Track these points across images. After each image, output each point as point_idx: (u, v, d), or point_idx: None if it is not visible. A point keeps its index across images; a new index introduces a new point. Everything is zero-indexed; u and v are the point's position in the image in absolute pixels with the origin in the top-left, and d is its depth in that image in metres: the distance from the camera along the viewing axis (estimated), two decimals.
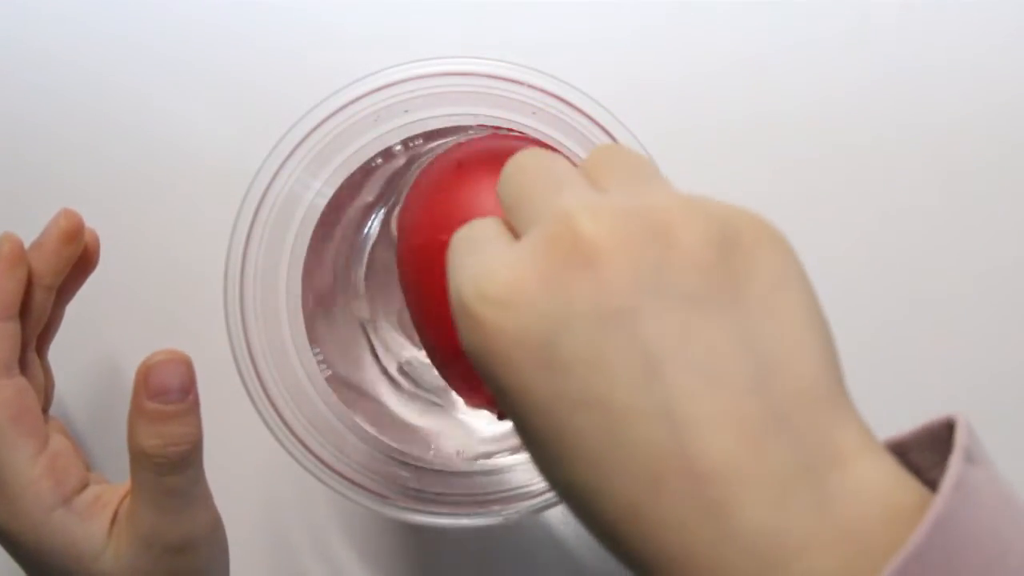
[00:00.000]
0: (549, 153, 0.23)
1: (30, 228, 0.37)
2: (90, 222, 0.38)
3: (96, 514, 0.28)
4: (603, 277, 0.18)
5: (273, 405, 0.29)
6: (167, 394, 0.27)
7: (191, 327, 0.29)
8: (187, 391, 0.28)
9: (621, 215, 0.19)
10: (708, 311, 0.18)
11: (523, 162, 0.22)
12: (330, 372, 0.31)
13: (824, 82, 0.41)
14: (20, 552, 0.28)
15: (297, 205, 0.29)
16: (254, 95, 0.39)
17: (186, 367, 0.28)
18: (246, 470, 0.37)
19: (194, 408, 0.28)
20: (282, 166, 0.29)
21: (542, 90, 0.30)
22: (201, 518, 0.30)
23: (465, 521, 0.31)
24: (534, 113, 0.31)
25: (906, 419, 0.20)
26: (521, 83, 0.30)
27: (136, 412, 0.28)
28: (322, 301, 0.31)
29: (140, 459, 0.28)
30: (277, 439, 0.29)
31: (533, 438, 0.19)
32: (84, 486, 0.29)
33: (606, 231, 0.19)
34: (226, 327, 0.28)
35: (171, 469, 0.28)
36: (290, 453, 0.29)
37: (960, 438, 0.18)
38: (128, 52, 0.39)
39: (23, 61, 0.40)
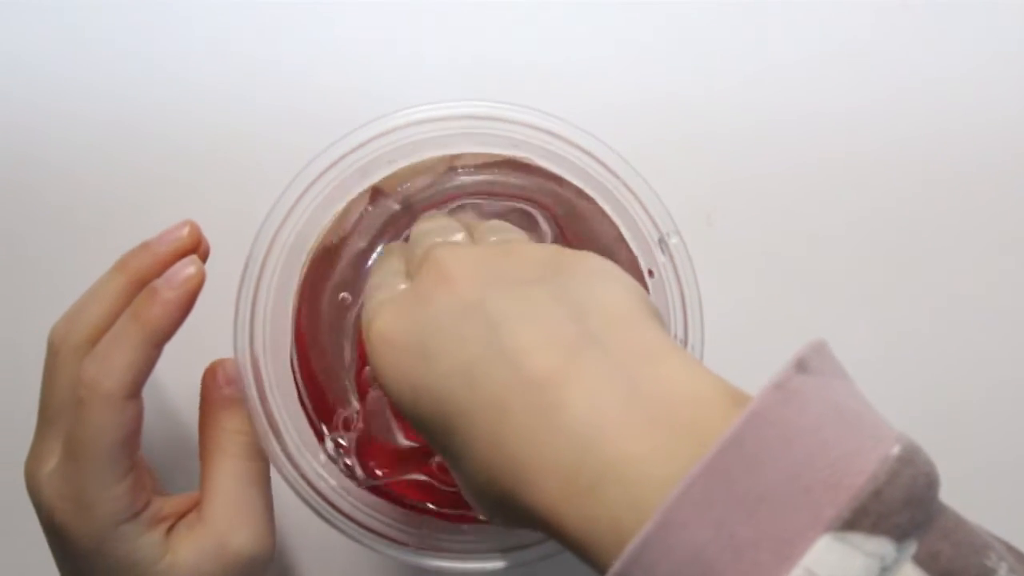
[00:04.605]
0: (447, 216, 0.31)
1: (28, 233, 0.39)
2: (98, 245, 0.36)
3: (156, 525, 0.30)
4: (456, 286, 0.24)
5: (284, 449, 0.31)
6: (238, 383, 0.31)
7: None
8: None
9: (475, 250, 0.26)
10: (536, 285, 0.24)
11: (423, 224, 0.29)
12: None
13: (815, 97, 0.40)
14: (76, 554, 0.30)
15: (302, 253, 0.32)
16: (243, 164, 0.39)
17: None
18: None
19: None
20: (287, 216, 0.31)
21: (521, 123, 0.31)
22: (270, 531, 0.31)
23: (476, 565, 0.30)
24: (515, 146, 0.31)
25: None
26: (498, 119, 0.31)
27: (216, 404, 0.31)
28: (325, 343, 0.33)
29: (225, 445, 0.31)
30: (286, 480, 0.30)
31: (427, 422, 0.24)
32: (150, 501, 0.31)
33: (460, 260, 0.25)
34: (235, 356, 0.31)
35: (255, 453, 0.31)
36: (298, 493, 0.30)
37: (799, 350, 0.20)
38: (134, 103, 0.39)
39: (28, 77, 0.40)
